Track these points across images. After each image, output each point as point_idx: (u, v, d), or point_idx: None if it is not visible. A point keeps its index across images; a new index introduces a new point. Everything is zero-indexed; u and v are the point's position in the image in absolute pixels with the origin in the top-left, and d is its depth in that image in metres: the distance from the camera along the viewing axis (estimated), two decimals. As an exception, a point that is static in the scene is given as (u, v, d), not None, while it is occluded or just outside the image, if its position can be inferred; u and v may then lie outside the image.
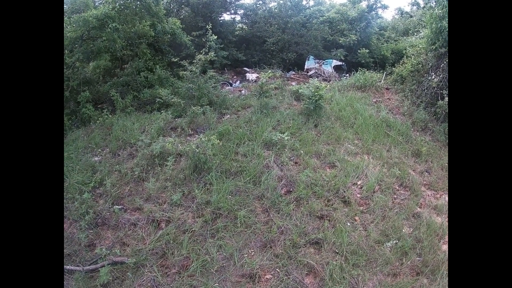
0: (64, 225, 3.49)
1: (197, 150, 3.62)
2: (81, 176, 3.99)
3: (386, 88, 8.00)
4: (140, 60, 7.33)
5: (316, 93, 5.44)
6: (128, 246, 3.17)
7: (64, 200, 3.60)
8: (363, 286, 2.81)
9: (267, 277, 2.80)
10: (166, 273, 2.81)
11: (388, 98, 7.49)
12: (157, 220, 3.37)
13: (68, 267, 2.92)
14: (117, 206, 3.56)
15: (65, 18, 6.74)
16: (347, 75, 9.47)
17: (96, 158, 4.49)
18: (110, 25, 6.33)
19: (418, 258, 3.15)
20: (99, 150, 4.61)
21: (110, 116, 5.42)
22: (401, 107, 6.63)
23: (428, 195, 4.18)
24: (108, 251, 3.03)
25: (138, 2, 6.82)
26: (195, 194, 3.46)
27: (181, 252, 2.92)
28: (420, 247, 3.24)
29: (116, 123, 5.14)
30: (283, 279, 2.74)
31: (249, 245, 3.06)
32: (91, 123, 5.53)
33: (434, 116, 6.04)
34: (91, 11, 6.19)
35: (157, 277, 2.73)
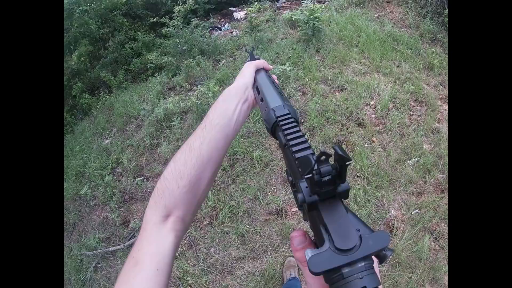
0: (96, 212, 3.65)
1: (199, 102, 3.48)
2: (97, 162, 4.04)
3: (387, 1, 7.19)
4: (120, 33, 6.93)
5: (312, 16, 4.95)
6: None
7: (90, 190, 3.71)
8: (389, 207, 2.77)
9: (293, 210, 2.82)
10: (199, 226, 2.89)
11: (390, 12, 6.75)
12: None
13: (110, 249, 3.09)
14: (139, 178, 3.62)
15: None
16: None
17: (107, 141, 4.50)
18: (77, 10, 5.93)
19: (441, 175, 3.01)
20: (107, 132, 4.60)
21: (108, 97, 5.31)
22: (406, 20, 5.98)
23: (446, 109, 3.89)
24: (141, 222, 3.13)
25: None
26: None
27: (208, 204, 2.96)
28: (443, 163, 3.08)
29: (115, 101, 5.04)
30: (309, 209, 2.75)
31: (270, 183, 3.04)
32: (92, 110, 5.49)
33: (442, 26, 5.43)
34: None
35: (192, 233, 2.81)
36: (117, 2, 6.78)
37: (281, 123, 0.51)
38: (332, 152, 0.31)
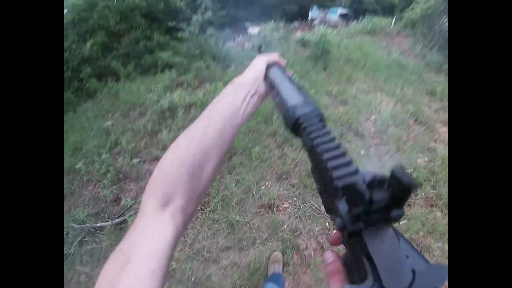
0: (88, 187, 3.61)
1: (205, 98, 3.57)
2: (96, 141, 4.05)
3: (397, 33, 7.63)
4: (136, 32, 7.18)
5: (322, 39, 5.22)
6: None
7: (85, 165, 3.70)
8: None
9: (285, 206, 2.83)
10: (189, 212, 2.87)
11: (399, 42, 7.15)
12: None
13: (97, 224, 3.03)
14: (136, 159, 3.62)
15: None
16: (355, 21, 9.02)
17: (108, 123, 4.53)
18: (99, 4, 6.18)
19: (433, 191, 3.10)
20: (110, 115, 4.65)
21: (115, 84, 5.41)
22: (413, 50, 6.34)
23: (444, 131, 4.07)
24: (133, 201, 3.11)
25: None
26: None
27: None
28: (435, 180, 3.18)
29: (122, 89, 5.14)
30: (300, 207, 2.77)
31: (265, 178, 3.06)
32: (98, 94, 5.56)
33: (448, 59, 5.75)
34: None
35: (181, 216, 2.78)
36: (139, 3, 7.06)
37: (305, 124, 0.43)
38: (386, 174, 0.26)
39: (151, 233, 0.45)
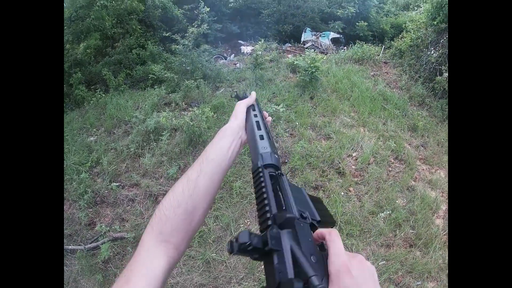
0: (64, 206, 3.56)
1: (192, 124, 3.59)
2: (77, 157, 4.00)
3: (384, 62, 7.83)
4: (131, 37, 7.13)
5: (312, 65, 5.33)
6: (127, 221, 3.24)
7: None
8: (357, 256, 2.89)
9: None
10: (166, 245, 2.87)
11: (386, 72, 7.34)
12: (155, 195, 3.42)
13: (69, 247, 3.02)
14: (114, 184, 3.59)
15: None
16: (345, 48, 9.21)
17: (92, 138, 4.48)
18: (98, 3, 6.10)
19: (412, 231, 3.21)
20: (94, 130, 4.59)
21: (103, 95, 5.35)
22: (399, 81, 6.52)
23: (423, 169, 4.19)
24: (108, 228, 3.10)
25: None
26: None
27: None
28: (414, 220, 3.29)
29: (109, 102, 5.08)
30: (279, 247, 2.82)
31: (245, 215, 3.11)
32: (85, 104, 5.48)
33: (432, 92, 5.98)
34: None
35: (156, 249, 2.78)
36: (136, 7, 7.00)
37: (256, 176, 0.54)
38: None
39: (149, 262, 0.54)
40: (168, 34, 5.64)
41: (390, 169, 4.05)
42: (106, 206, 3.46)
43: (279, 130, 4.14)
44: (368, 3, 11.18)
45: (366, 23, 10.35)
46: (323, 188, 3.59)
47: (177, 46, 5.25)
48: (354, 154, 4.17)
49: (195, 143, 3.70)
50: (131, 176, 3.64)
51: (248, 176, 3.48)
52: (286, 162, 3.77)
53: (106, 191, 3.56)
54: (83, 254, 2.93)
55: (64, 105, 5.83)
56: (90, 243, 3.06)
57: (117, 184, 3.61)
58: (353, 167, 3.97)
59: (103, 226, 3.10)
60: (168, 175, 3.49)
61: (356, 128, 4.66)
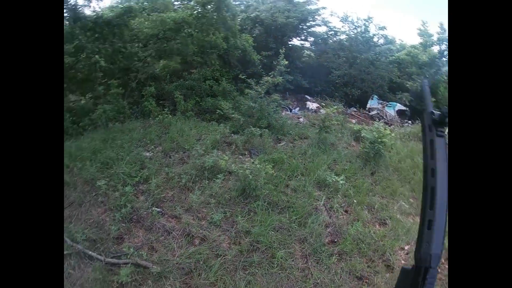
0: (98, 210, 3.58)
1: (250, 177, 3.50)
2: (128, 167, 4.09)
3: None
4: (208, 69, 7.62)
5: (379, 139, 5.10)
6: (156, 252, 3.10)
7: (106, 186, 3.71)
8: None
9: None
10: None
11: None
12: (192, 235, 3.27)
13: (90, 252, 2.91)
14: (156, 208, 3.54)
15: (144, 15, 7.33)
16: (410, 122, 8.85)
17: (147, 154, 4.61)
18: (185, 30, 6.71)
19: None
20: (152, 147, 4.75)
21: (169, 115, 5.61)
22: None
23: None
24: (135, 251, 2.97)
25: (215, 14, 7.17)
26: (237, 219, 3.31)
27: (208, 276, 2.75)
28: None
29: (174, 124, 5.30)
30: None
31: (278, 289, 2.80)
32: (150, 117, 5.78)
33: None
34: (170, 13, 6.65)
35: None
36: (219, 44, 7.55)
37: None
38: None
39: None
40: (243, 76, 5.91)
41: (439, 270, 3.49)
42: (140, 227, 3.38)
43: (334, 203, 3.88)
44: (438, 78, 10.91)
45: (434, 99, 9.97)
46: (367, 281, 3.15)
47: (250, 91, 5.43)
48: (406, 247, 3.70)
49: (248, 195, 3.58)
50: (174, 207, 3.58)
51: (292, 246, 3.21)
52: (335, 242, 3.44)
53: (145, 213, 3.51)
54: (100, 266, 2.80)
55: (131, 112, 6.23)
56: (111, 258, 2.93)
57: (159, 209, 3.56)
58: (403, 261, 3.50)
59: (131, 248, 2.98)
60: (212, 219, 3.36)
61: (413, 217, 4.21)
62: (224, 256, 2.97)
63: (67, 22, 6.69)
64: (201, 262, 2.88)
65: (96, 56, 6.15)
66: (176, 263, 2.87)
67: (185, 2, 8.05)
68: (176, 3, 8.18)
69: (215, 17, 7.19)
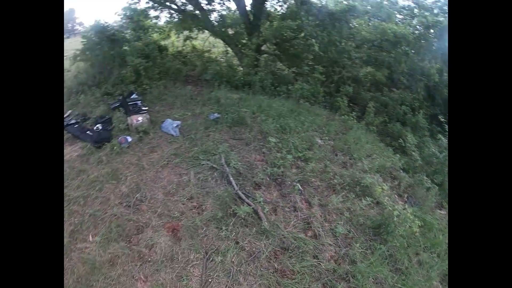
0: (257, 156, 4.34)
1: (395, 219, 3.37)
2: (299, 142, 4.70)
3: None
4: (410, 95, 7.23)
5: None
6: (276, 215, 3.55)
7: (274, 145, 4.48)
8: None
9: None
10: None
11: None
12: (310, 226, 3.45)
13: (231, 178, 3.90)
14: (299, 185, 3.97)
15: (365, 18, 7.41)
16: None
17: (319, 141, 5.04)
18: (402, 47, 6.43)
19: None
20: (326, 138, 5.18)
21: (354, 120, 5.89)
22: None
23: None
24: (262, 202, 3.56)
25: (435, 40, 6.77)
26: (354, 245, 3.29)
27: (293, 265, 2.93)
28: None
29: (354, 130, 5.54)
30: None
31: None
32: (337, 113, 6.24)
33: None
34: (392, 25, 6.43)
35: None
36: (432, 74, 7.02)
37: None
38: None
39: None
40: (443, 119, 5.37)
41: None
42: (277, 190, 3.89)
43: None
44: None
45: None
46: None
47: (442, 137, 4.94)
48: None
49: (379, 233, 3.47)
50: (314, 195, 3.89)
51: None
52: None
53: (289, 182, 3.99)
54: (232, 192, 3.65)
55: (322, 100, 6.80)
56: (243, 193, 3.71)
57: (300, 188, 3.98)
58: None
59: (261, 199, 3.59)
60: (334, 228, 3.47)
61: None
62: (317, 263, 3.03)
63: (293, 1, 7.59)
64: (299, 251, 3.09)
65: (313, 40, 6.82)
66: (282, 235, 3.22)
67: (408, 19, 7.67)
68: (399, 16, 7.91)
69: (435, 44, 6.59)
